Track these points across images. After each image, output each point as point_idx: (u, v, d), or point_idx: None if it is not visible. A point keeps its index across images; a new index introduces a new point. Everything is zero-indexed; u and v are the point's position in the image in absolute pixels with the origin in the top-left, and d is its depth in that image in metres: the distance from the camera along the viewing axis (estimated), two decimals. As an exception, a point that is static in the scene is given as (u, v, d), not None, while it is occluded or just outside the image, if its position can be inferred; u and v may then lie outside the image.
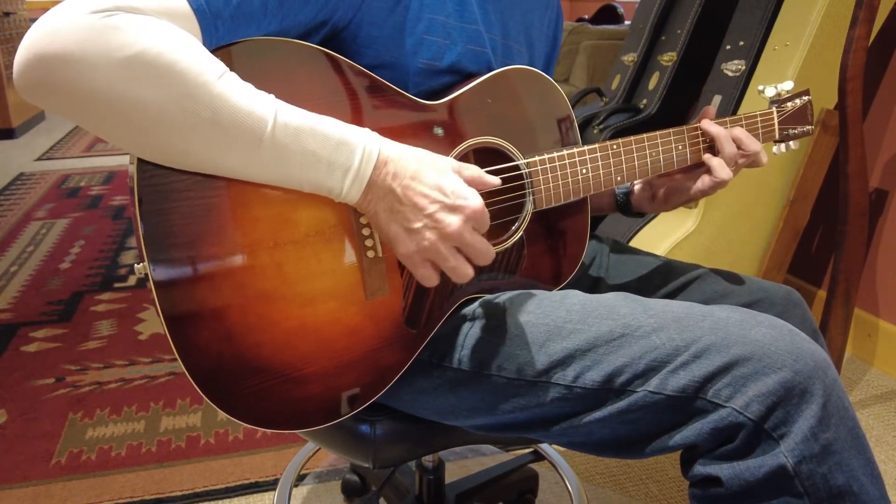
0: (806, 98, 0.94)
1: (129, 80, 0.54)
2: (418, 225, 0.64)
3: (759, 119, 0.91)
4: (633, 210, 0.96)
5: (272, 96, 0.60)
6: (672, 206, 0.92)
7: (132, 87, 0.54)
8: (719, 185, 0.85)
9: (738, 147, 0.86)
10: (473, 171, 0.68)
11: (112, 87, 0.54)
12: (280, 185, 0.62)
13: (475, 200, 0.64)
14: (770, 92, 0.94)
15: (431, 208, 0.63)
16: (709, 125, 0.86)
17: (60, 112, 0.56)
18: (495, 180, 0.69)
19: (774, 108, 0.93)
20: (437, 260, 0.66)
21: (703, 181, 0.86)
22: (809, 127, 0.95)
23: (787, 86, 0.94)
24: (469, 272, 0.66)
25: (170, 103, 0.55)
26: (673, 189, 0.90)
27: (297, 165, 0.61)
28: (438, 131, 0.74)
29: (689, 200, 0.89)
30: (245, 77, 0.60)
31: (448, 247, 0.65)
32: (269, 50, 0.64)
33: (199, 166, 0.59)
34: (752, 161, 0.87)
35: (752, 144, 0.86)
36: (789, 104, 0.94)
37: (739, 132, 0.86)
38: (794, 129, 0.94)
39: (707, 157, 0.86)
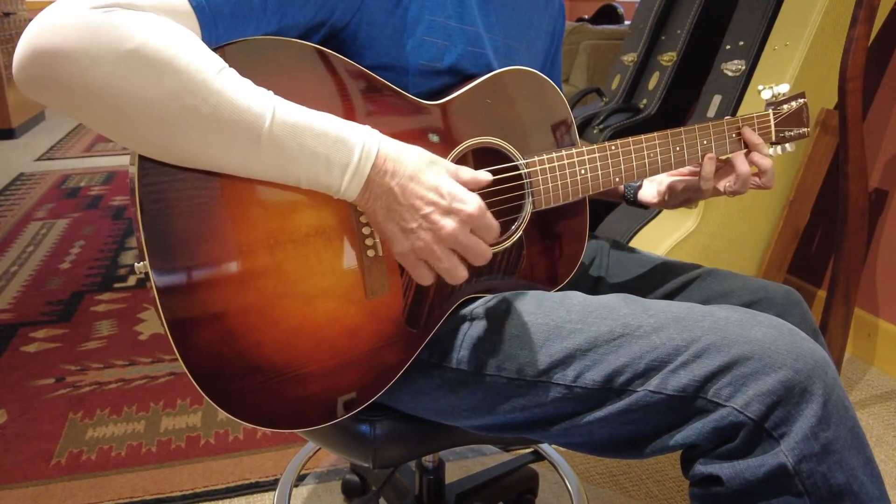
0: (802, 101, 0.95)
1: (128, 75, 0.54)
2: (413, 225, 0.64)
3: (755, 121, 0.91)
4: (639, 203, 0.98)
5: (270, 93, 0.60)
6: (677, 205, 0.94)
7: (130, 83, 0.54)
8: (741, 184, 0.87)
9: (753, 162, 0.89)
10: (468, 173, 0.68)
11: (110, 82, 0.54)
12: (279, 181, 0.62)
13: (472, 204, 0.64)
14: (766, 94, 0.95)
15: (427, 209, 0.63)
16: (751, 134, 0.89)
17: (60, 108, 0.56)
18: (487, 176, 0.69)
19: (771, 111, 0.94)
20: (430, 260, 0.66)
21: (730, 180, 0.88)
22: (806, 129, 0.96)
23: (783, 88, 0.95)
24: (463, 274, 0.67)
25: (168, 99, 0.55)
26: (684, 187, 0.91)
27: (296, 162, 0.61)
28: (437, 132, 0.74)
29: (697, 199, 0.91)
30: (245, 76, 0.60)
31: (442, 248, 0.65)
32: (269, 49, 0.64)
33: (197, 162, 0.59)
34: (764, 182, 0.89)
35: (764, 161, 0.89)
36: (785, 106, 0.94)
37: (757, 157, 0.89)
38: (791, 131, 0.95)
39: (736, 155, 0.88)
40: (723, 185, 0.89)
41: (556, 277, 0.86)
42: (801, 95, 0.95)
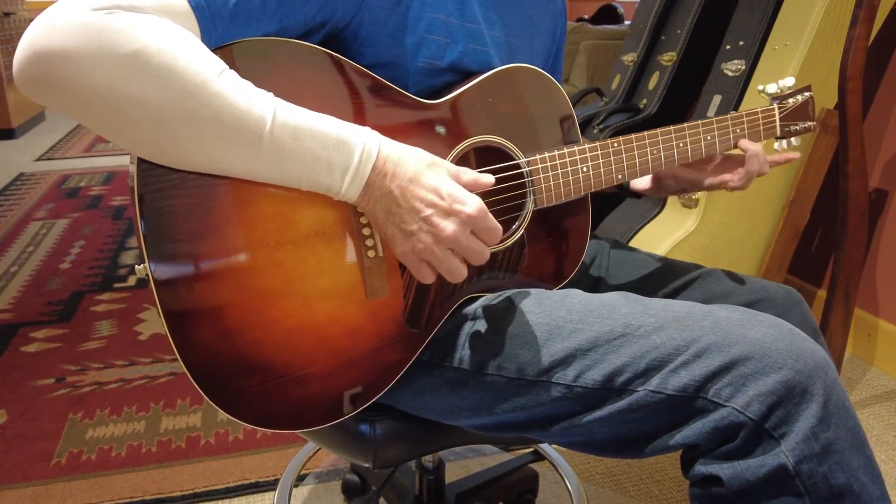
0: (807, 94, 0.94)
1: (128, 77, 0.54)
2: (414, 227, 0.64)
3: (760, 116, 0.91)
4: (632, 192, 0.98)
5: (271, 94, 0.60)
6: (672, 193, 0.96)
7: (131, 85, 0.54)
8: (741, 178, 0.88)
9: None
10: (469, 175, 0.67)
11: (110, 84, 0.54)
12: (279, 183, 0.62)
13: (472, 205, 0.64)
14: (772, 88, 0.94)
15: (427, 212, 0.63)
16: (748, 143, 0.89)
17: (59, 109, 0.56)
18: (489, 178, 0.68)
19: (776, 105, 0.93)
20: (431, 261, 0.66)
21: (724, 177, 0.89)
22: (811, 123, 0.95)
23: (789, 82, 0.94)
24: (463, 273, 0.67)
25: (168, 101, 0.55)
26: (681, 178, 0.92)
27: (296, 164, 0.61)
28: (439, 130, 0.74)
29: (693, 191, 0.92)
30: (245, 77, 0.60)
31: (443, 249, 0.65)
32: (269, 49, 0.64)
33: (198, 165, 0.59)
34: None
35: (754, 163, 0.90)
36: (791, 100, 0.94)
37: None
38: (796, 125, 0.94)
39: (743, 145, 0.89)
40: (722, 180, 0.89)
41: (558, 276, 0.86)
42: (807, 89, 0.95)
